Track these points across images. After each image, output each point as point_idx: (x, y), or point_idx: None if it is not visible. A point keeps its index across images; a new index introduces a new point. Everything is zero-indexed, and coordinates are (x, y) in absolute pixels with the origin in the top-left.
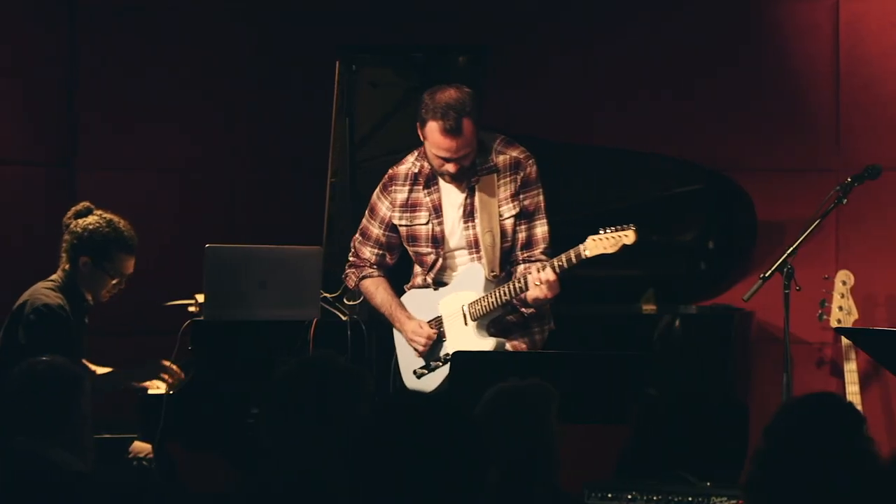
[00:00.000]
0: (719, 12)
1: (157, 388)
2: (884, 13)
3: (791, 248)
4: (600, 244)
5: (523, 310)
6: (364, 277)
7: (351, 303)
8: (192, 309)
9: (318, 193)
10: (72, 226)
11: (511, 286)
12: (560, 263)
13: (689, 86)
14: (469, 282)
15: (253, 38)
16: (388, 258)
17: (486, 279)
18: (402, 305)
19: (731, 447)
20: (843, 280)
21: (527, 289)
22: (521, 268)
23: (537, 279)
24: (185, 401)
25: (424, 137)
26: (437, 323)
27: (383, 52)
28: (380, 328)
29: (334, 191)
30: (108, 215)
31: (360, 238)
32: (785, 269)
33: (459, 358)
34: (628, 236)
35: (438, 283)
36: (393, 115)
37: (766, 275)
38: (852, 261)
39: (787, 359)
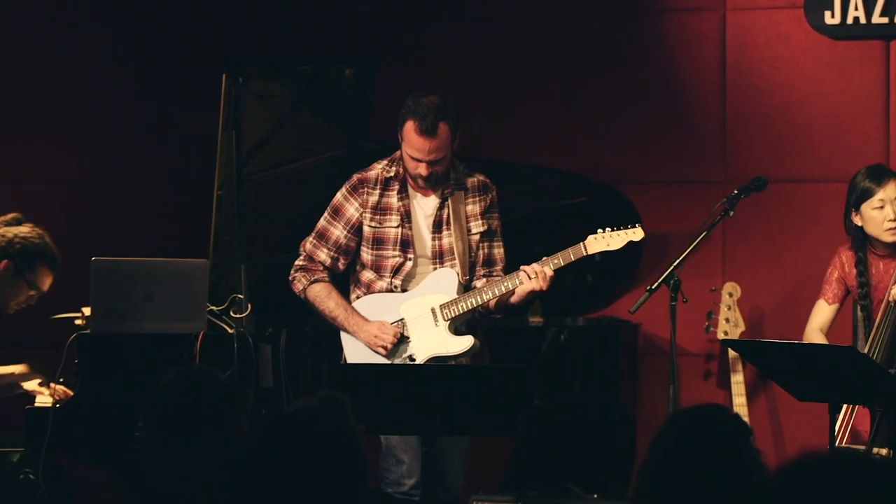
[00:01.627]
0: (606, 23)
1: (43, 400)
2: (771, 25)
3: (678, 261)
4: (602, 242)
5: (493, 315)
6: (315, 281)
7: (237, 315)
8: (78, 322)
9: (205, 206)
10: (1, 231)
11: (495, 287)
12: (557, 261)
13: (576, 98)
14: (440, 285)
15: (141, 50)
16: (340, 263)
17: (460, 283)
18: (356, 311)
19: (618, 459)
20: (730, 292)
21: (518, 284)
22: (481, 283)
23: (534, 272)
24: (71, 414)
25: (402, 139)
26: (399, 325)
27: (271, 64)
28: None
29: (221, 203)
30: (39, 229)
31: (316, 241)
32: (671, 281)
33: (347, 371)
34: (637, 233)
35: (403, 288)
36: (280, 127)
37: (653, 287)
38: (739, 273)
39: (673, 371)
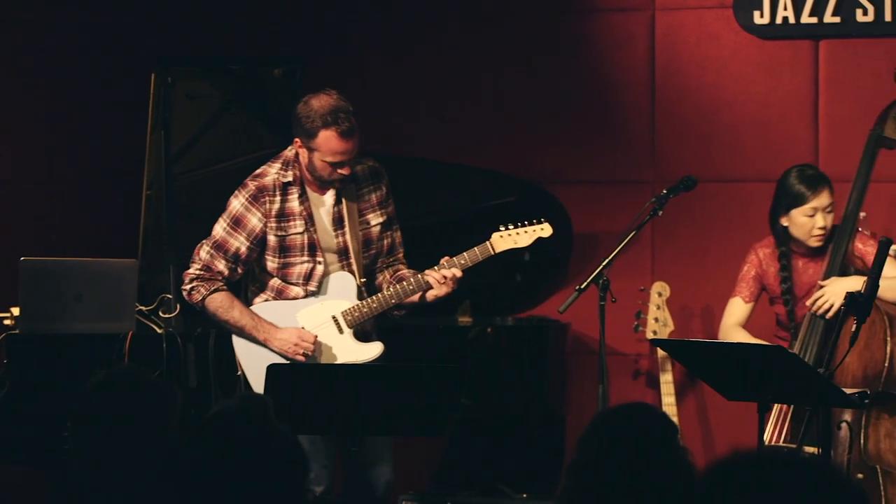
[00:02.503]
0: (535, 23)
1: None
2: (700, 25)
3: (607, 260)
4: (510, 239)
5: (395, 313)
6: (215, 291)
7: (166, 315)
8: (7, 322)
9: (134, 206)
10: None
11: (401, 288)
12: (464, 261)
13: (506, 97)
14: (338, 291)
15: (69, 49)
16: (238, 272)
17: (358, 286)
18: (263, 318)
19: (546, 459)
20: (659, 292)
21: (427, 288)
22: (386, 273)
23: (442, 277)
24: (0, 414)
25: (315, 148)
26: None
27: (200, 64)
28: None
29: (150, 203)
30: None
31: (213, 251)
32: (601, 281)
33: (275, 371)
34: (545, 230)
35: (313, 292)
36: (209, 127)
37: (582, 286)
38: (668, 272)
39: (602, 370)
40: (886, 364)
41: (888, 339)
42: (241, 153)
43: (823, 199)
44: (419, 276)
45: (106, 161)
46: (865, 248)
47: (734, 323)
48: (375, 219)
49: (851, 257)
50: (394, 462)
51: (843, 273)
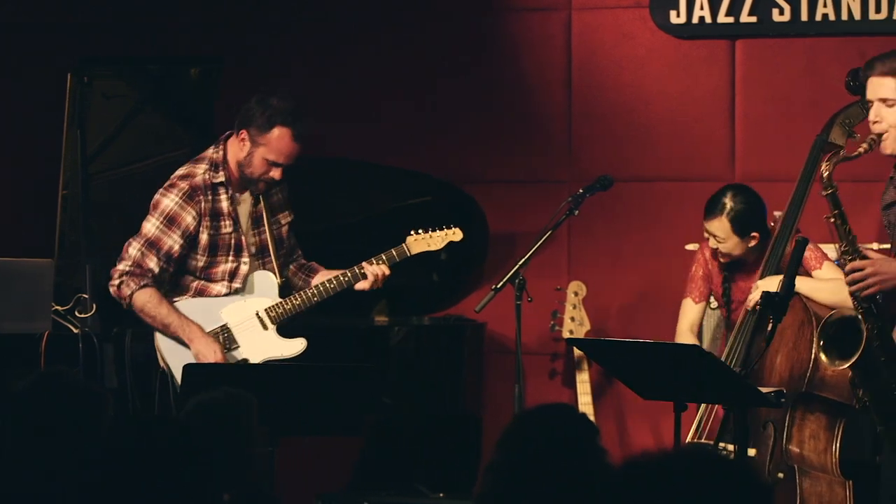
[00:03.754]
0: (452, 23)
1: None
2: (616, 24)
3: (523, 260)
4: (423, 242)
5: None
6: (144, 286)
7: (82, 315)
8: None
9: (50, 205)
10: None
11: (324, 289)
12: (381, 262)
13: (423, 97)
14: (259, 289)
15: None
16: (168, 271)
17: (279, 284)
18: (189, 319)
19: (463, 458)
20: (575, 291)
21: (353, 282)
22: (291, 267)
23: (374, 274)
24: None
25: (263, 143)
26: (223, 330)
27: (116, 63)
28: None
29: (66, 203)
30: None
31: (145, 249)
32: (517, 281)
33: (191, 371)
34: (456, 234)
35: (238, 289)
36: (126, 126)
37: (498, 286)
38: (584, 272)
39: (519, 370)
40: (811, 365)
41: (815, 340)
42: (158, 153)
43: (711, 227)
44: (355, 268)
45: (21, 160)
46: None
47: (686, 328)
48: (285, 218)
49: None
50: (311, 462)
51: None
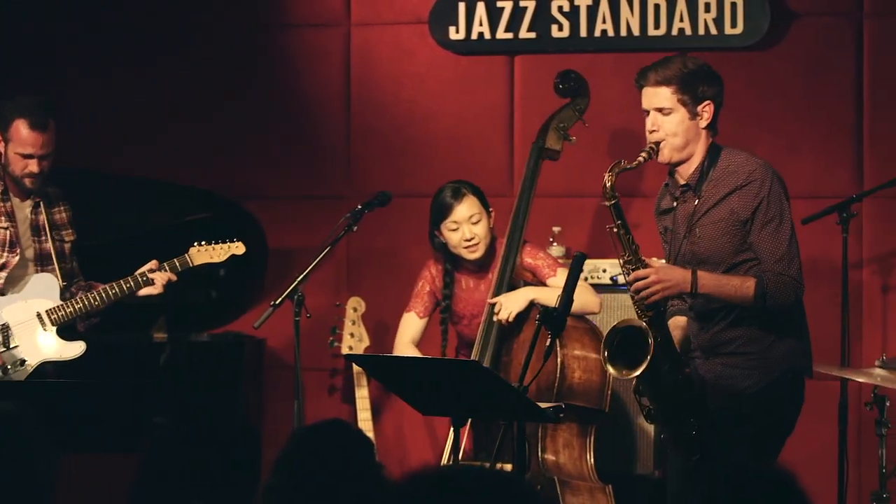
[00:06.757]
0: (231, 39)
1: None
2: (396, 40)
3: (301, 276)
4: (206, 254)
5: (92, 320)
6: None
7: None
8: None
9: None
10: None
11: (105, 293)
12: (165, 270)
13: (204, 113)
14: (41, 290)
15: None
16: None
17: (61, 288)
18: None
19: (242, 475)
20: (355, 307)
21: (137, 288)
22: (73, 291)
23: (161, 278)
24: None
25: (8, 139)
26: (2, 329)
27: None
28: None
29: None
30: None
31: None
32: (296, 297)
33: None
34: (239, 247)
35: (2, 291)
36: None
37: (277, 302)
38: (363, 288)
39: (298, 386)
40: (558, 375)
41: (559, 350)
42: None
43: (462, 210)
44: (137, 275)
45: None
46: (535, 261)
47: (407, 340)
48: (69, 236)
49: (520, 271)
50: (86, 480)
51: (513, 288)
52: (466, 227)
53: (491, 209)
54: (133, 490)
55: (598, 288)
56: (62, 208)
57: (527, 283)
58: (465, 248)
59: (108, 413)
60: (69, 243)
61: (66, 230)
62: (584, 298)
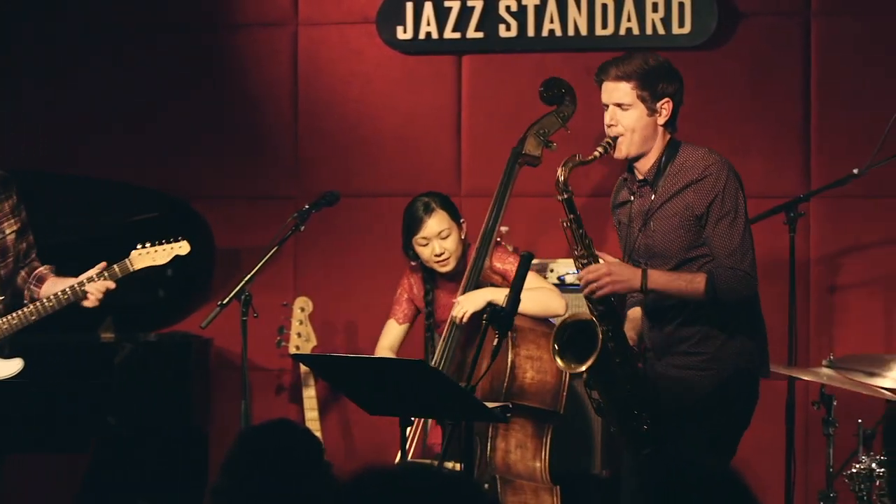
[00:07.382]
0: (179, 38)
1: None
2: (343, 40)
3: (249, 276)
4: (148, 257)
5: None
6: None
7: None
8: None
9: None
10: None
11: (42, 305)
12: (103, 279)
13: (152, 112)
14: None
15: None
16: None
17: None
18: None
19: (189, 475)
20: (302, 307)
21: (74, 300)
22: (22, 273)
23: (98, 288)
24: None
25: None
26: None
27: None
28: None
29: None
30: None
31: None
32: (243, 296)
33: None
34: (182, 247)
35: None
36: None
37: (224, 302)
38: (311, 287)
39: (245, 386)
40: (508, 374)
41: (510, 350)
42: None
43: (432, 225)
44: (75, 286)
45: None
46: (505, 265)
47: (386, 346)
48: (10, 227)
49: (489, 273)
50: (35, 480)
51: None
52: (436, 242)
53: (462, 220)
54: (82, 489)
55: None
56: (2, 196)
57: (493, 286)
58: (436, 262)
59: (54, 413)
60: (12, 234)
61: (6, 221)
62: (547, 300)
